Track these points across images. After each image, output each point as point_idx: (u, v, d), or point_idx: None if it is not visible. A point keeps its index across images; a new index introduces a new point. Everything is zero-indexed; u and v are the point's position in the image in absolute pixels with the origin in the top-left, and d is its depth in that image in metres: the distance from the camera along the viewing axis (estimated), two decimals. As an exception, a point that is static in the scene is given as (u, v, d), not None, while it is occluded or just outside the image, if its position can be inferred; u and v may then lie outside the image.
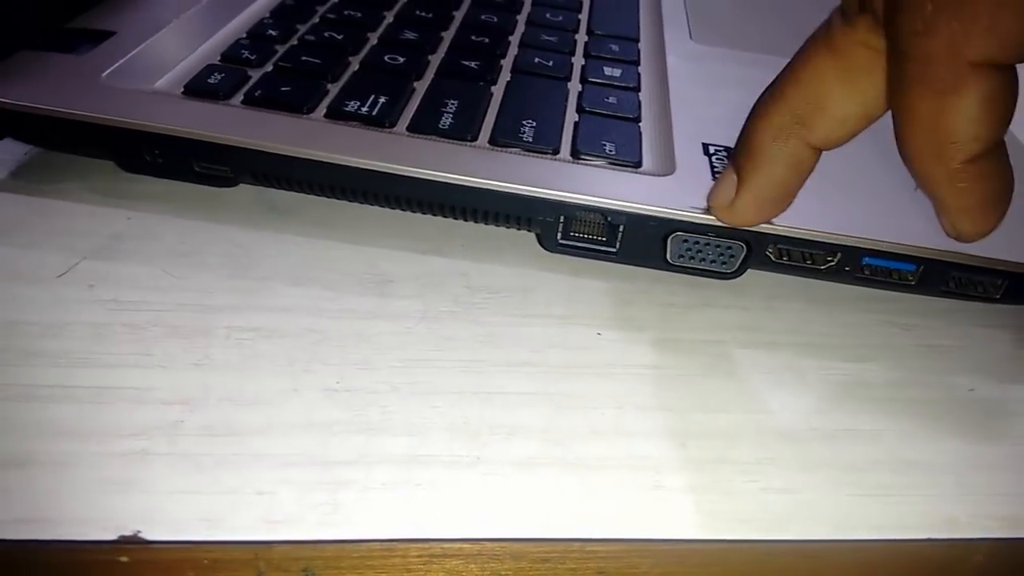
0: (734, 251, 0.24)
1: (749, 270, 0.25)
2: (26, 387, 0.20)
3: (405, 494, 0.19)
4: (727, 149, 0.27)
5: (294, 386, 0.21)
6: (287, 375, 0.21)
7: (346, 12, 0.32)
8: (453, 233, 0.27)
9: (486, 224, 0.26)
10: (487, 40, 0.32)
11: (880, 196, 0.25)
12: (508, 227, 0.26)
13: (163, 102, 0.25)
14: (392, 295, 0.24)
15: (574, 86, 0.30)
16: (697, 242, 0.24)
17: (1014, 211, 0.19)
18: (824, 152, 0.21)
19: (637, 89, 0.30)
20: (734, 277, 0.25)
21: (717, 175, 0.25)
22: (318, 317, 0.23)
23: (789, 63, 0.20)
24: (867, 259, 0.24)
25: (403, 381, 0.21)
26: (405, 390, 0.21)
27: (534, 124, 0.27)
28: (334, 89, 0.27)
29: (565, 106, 0.29)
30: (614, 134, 0.27)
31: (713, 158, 0.26)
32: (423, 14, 0.33)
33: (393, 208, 0.25)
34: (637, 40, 0.35)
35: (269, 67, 0.28)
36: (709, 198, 0.23)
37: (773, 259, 0.25)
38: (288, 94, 0.26)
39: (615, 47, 0.33)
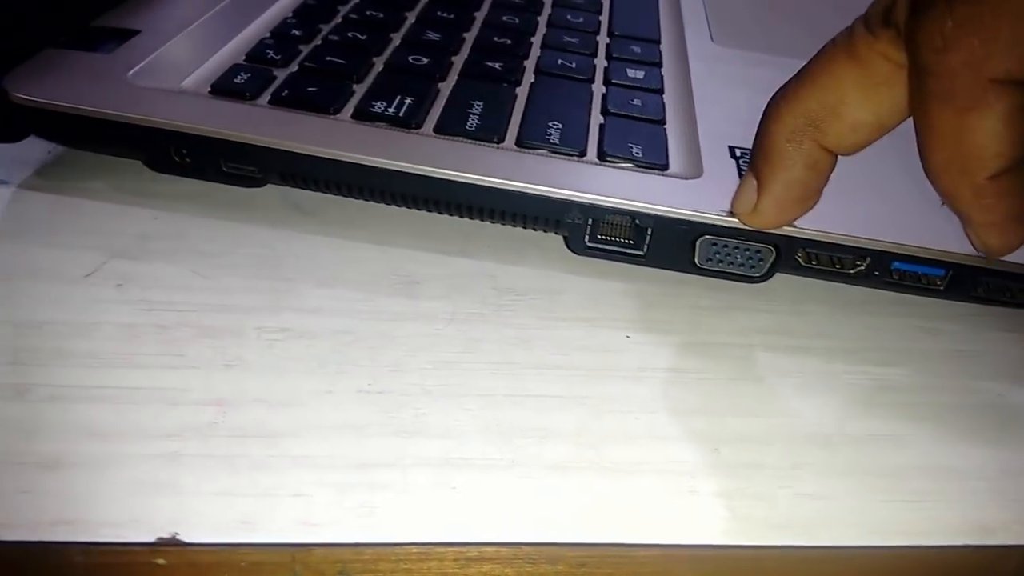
0: (763, 255, 0.24)
1: (776, 274, 0.25)
2: (58, 387, 0.20)
3: (441, 497, 0.19)
4: (751, 149, 0.27)
5: (327, 387, 0.21)
6: (319, 376, 0.21)
7: (368, 12, 0.32)
8: (478, 234, 0.27)
9: (513, 226, 0.26)
10: (509, 41, 0.32)
11: (910, 200, 0.25)
12: (536, 229, 0.26)
13: (191, 102, 0.25)
14: (420, 296, 0.24)
15: (598, 88, 0.30)
16: (726, 245, 0.24)
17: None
18: (844, 157, 0.21)
19: (661, 91, 0.30)
20: (762, 281, 0.25)
21: (745, 178, 0.25)
22: (348, 318, 0.23)
23: (806, 66, 0.20)
24: (897, 264, 0.24)
25: (435, 383, 0.21)
26: (437, 392, 0.21)
27: (560, 126, 0.27)
28: (360, 90, 0.27)
29: (590, 108, 0.28)
30: (640, 136, 0.27)
31: (740, 160, 0.26)
32: (444, 15, 0.33)
33: (420, 209, 0.25)
34: (658, 42, 0.35)
35: (294, 67, 0.28)
36: (732, 203, 0.23)
37: (802, 263, 0.24)
38: (315, 95, 0.26)
39: (637, 49, 0.33)
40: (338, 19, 0.32)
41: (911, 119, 0.19)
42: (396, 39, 0.31)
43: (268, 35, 0.30)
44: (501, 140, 0.26)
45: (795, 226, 0.23)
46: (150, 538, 0.17)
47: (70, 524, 0.17)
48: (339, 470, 0.19)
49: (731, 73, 0.33)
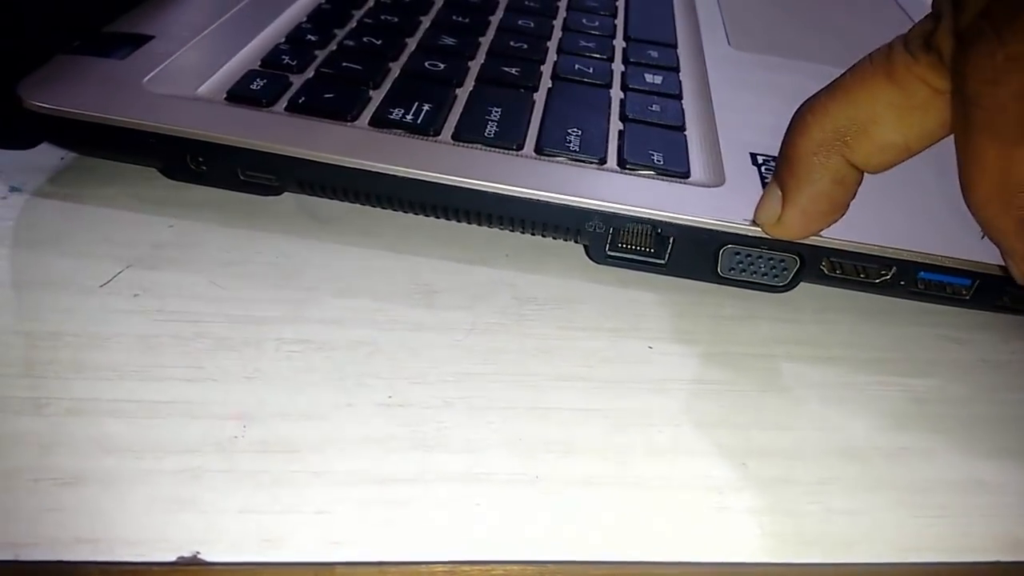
0: (787, 264, 0.24)
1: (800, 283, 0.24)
2: (75, 401, 0.20)
3: (465, 513, 0.18)
4: (775, 159, 0.26)
5: (348, 400, 0.20)
6: (340, 389, 0.21)
7: (383, 17, 0.32)
8: (497, 243, 0.26)
9: (533, 235, 0.25)
10: (525, 46, 0.32)
11: (936, 209, 0.25)
12: (556, 238, 0.25)
13: (207, 109, 0.25)
14: (440, 306, 0.24)
15: (616, 93, 0.30)
16: (749, 255, 0.24)
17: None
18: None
19: (680, 97, 0.30)
20: (786, 290, 0.25)
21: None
22: (367, 329, 0.23)
23: (838, 80, 0.20)
24: (923, 273, 0.24)
25: (456, 395, 0.21)
26: (459, 405, 0.21)
27: (579, 132, 0.26)
28: (377, 96, 0.27)
29: (608, 114, 0.28)
30: (660, 143, 0.27)
31: (762, 168, 0.26)
32: (459, 19, 0.33)
33: (439, 218, 0.25)
34: (675, 46, 0.34)
35: (311, 73, 0.28)
36: (756, 214, 0.23)
37: (826, 272, 0.24)
38: (332, 101, 0.26)
39: (654, 53, 0.33)
40: (353, 23, 0.31)
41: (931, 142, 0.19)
42: (412, 44, 0.31)
43: (283, 40, 0.29)
44: (520, 147, 0.25)
45: (820, 235, 0.23)
46: (171, 557, 0.17)
47: (90, 543, 0.17)
48: (361, 485, 0.19)
49: (750, 77, 0.32)
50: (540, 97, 0.29)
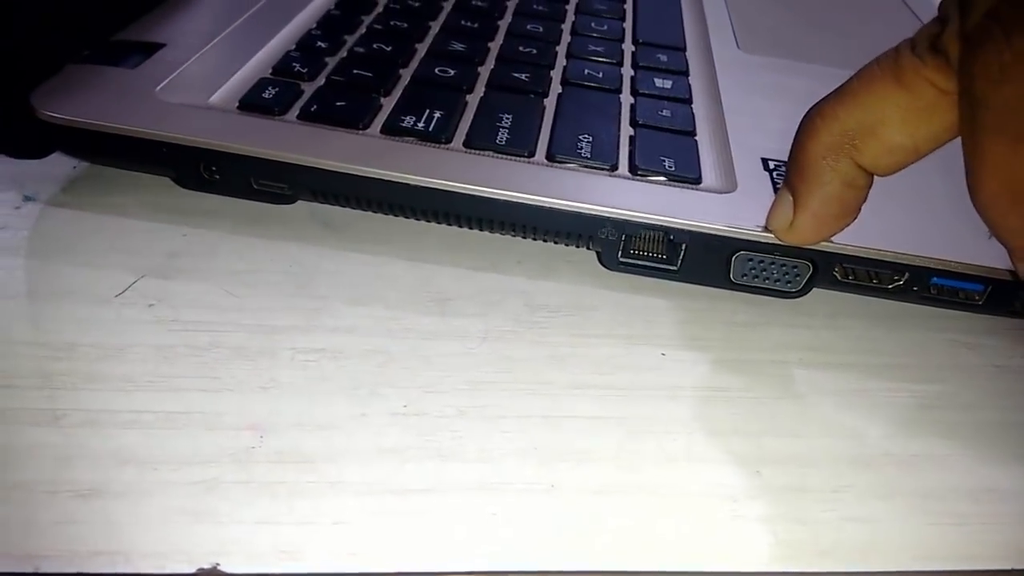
0: (800, 270, 0.24)
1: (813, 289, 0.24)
2: (92, 412, 0.20)
3: (481, 522, 0.18)
4: (786, 164, 0.26)
5: (363, 410, 0.21)
6: (355, 399, 0.21)
7: (392, 23, 0.32)
8: (508, 249, 0.27)
9: (545, 242, 0.25)
10: (535, 51, 0.32)
11: (948, 215, 0.25)
12: (568, 245, 0.25)
13: (220, 118, 0.25)
14: (452, 314, 0.24)
15: (626, 98, 0.30)
16: (762, 261, 0.24)
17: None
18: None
19: (690, 101, 0.30)
20: (798, 296, 0.25)
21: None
22: (380, 337, 0.23)
23: (846, 84, 0.20)
24: (936, 279, 0.24)
25: (470, 404, 0.21)
26: (473, 414, 0.21)
27: (590, 139, 0.26)
28: (388, 104, 0.27)
29: (619, 119, 0.28)
30: (671, 149, 0.27)
31: (774, 173, 0.26)
32: (468, 24, 0.33)
33: (451, 225, 0.25)
34: (684, 49, 0.34)
35: (321, 80, 0.28)
36: (768, 220, 0.23)
37: (839, 278, 0.24)
38: (344, 109, 0.26)
39: (663, 57, 0.33)
40: (363, 29, 0.32)
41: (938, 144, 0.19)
42: (421, 50, 0.31)
43: (294, 47, 0.29)
44: (532, 154, 0.25)
45: (833, 241, 0.23)
46: (190, 569, 0.17)
47: (108, 555, 0.17)
48: (378, 495, 0.19)
49: (759, 81, 0.32)
50: (550, 103, 0.29)
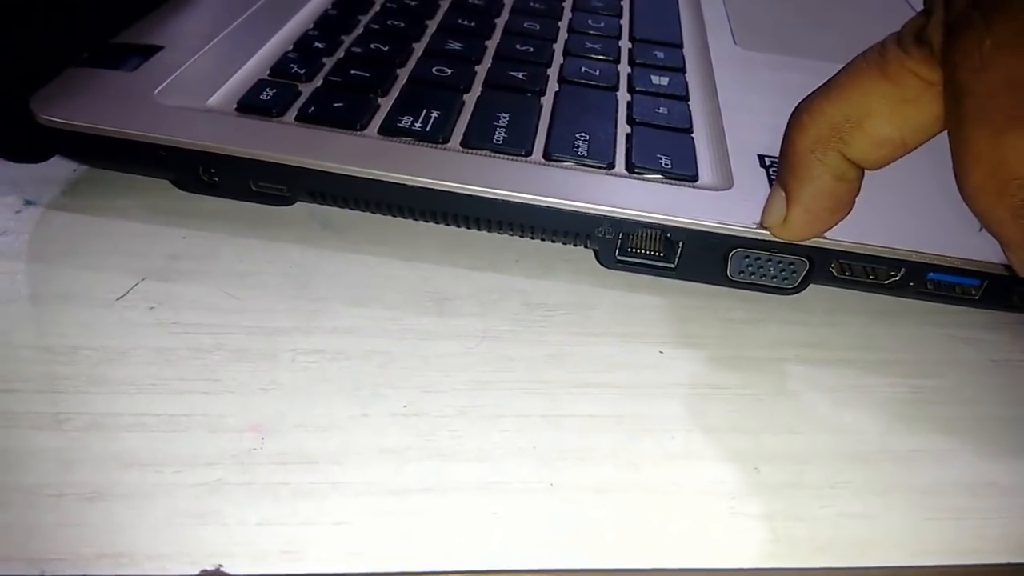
0: (796, 267, 0.24)
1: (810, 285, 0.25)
2: (95, 415, 0.20)
3: (481, 522, 0.19)
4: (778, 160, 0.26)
5: (363, 411, 0.21)
6: (355, 399, 0.21)
7: (389, 22, 0.32)
8: (506, 248, 0.27)
9: (543, 241, 0.26)
10: (532, 49, 0.32)
11: (944, 210, 0.25)
12: (566, 243, 0.25)
13: (218, 121, 0.25)
14: (451, 314, 0.24)
15: (622, 96, 0.30)
16: (759, 258, 0.24)
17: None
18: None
19: (686, 98, 0.30)
20: (795, 293, 0.25)
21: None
22: (380, 338, 0.23)
23: (832, 78, 0.20)
24: (932, 274, 0.24)
25: (470, 404, 0.21)
26: (473, 414, 0.21)
27: (587, 137, 0.26)
28: (385, 104, 0.27)
29: (616, 117, 0.28)
30: (668, 147, 0.27)
31: (770, 170, 0.26)
32: (465, 23, 0.33)
33: (450, 225, 0.25)
34: (681, 46, 0.34)
35: (319, 81, 0.28)
36: (762, 217, 0.23)
37: (835, 274, 0.24)
38: (341, 110, 0.26)
39: (660, 54, 0.33)
40: (360, 29, 0.32)
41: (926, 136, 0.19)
42: (419, 49, 0.31)
43: (291, 48, 0.29)
44: (529, 153, 0.26)
45: (828, 237, 0.23)
46: (194, 571, 0.17)
47: (112, 557, 0.17)
48: (379, 496, 0.19)
49: (756, 77, 0.32)
50: (547, 101, 0.29)
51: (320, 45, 0.30)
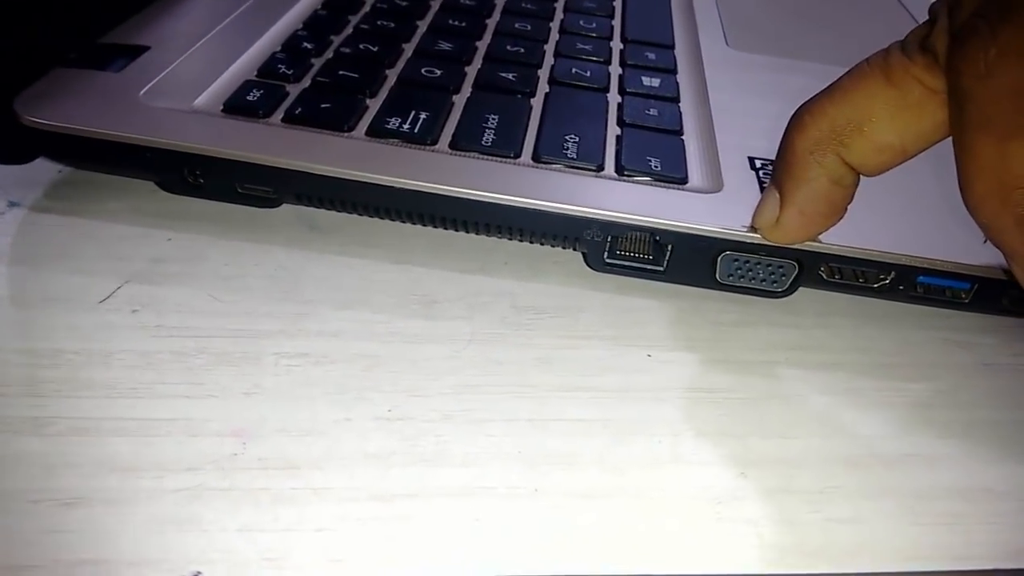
0: (785, 270, 0.24)
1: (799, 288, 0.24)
2: (76, 419, 0.20)
3: (465, 528, 0.18)
4: (773, 163, 0.26)
5: (347, 415, 0.20)
6: (340, 404, 0.21)
7: (379, 22, 0.32)
8: (495, 251, 0.26)
9: (532, 243, 0.25)
10: (522, 50, 0.32)
11: (934, 214, 0.25)
12: (554, 246, 0.25)
13: (204, 122, 0.25)
14: (439, 317, 0.24)
15: (613, 97, 0.30)
16: (748, 261, 0.24)
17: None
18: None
19: (677, 100, 0.30)
20: (784, 296, 0.25)
21: (767, 191, 0.25)
22: (366, 341, 0.23)
23: (835, 82, 0.20)
24: (922, 278, 0.24)
25: (456, 408, 0.21)
26: (459, 418, 0.21)
27: (577, 139, 0.26)
28: (373, 105, 0.27)
29: (606, 119, 0.28)
30: (658, 149, 0.26)
31: (760, 172, 0.26)
32: (456, 23, 0.33)
33: (437, 227, 0.25)
34: (673, 47, 0.34)
35: (307, 82, 0.28)
36: (754, 218, 0.23)
37: (825, 278, 0.24)
38: (329, 112, 0.26)
39: (651, 55, 0.33)
40: (349, 30, 0.31)
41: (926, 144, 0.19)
42: (408, 50, 0.31)
43: (279, 48, 0.29)
44: (517, 155, 0.25)
45: (818, 241, 0.23)
46: (173, 577, 0.17)
47: (92, 564, 0.17)
48: (362, 502, 0.19)
49: (748, 79, 0.32)
50: (537, 103, 0.29)
51: (309, 46, 0.29)
